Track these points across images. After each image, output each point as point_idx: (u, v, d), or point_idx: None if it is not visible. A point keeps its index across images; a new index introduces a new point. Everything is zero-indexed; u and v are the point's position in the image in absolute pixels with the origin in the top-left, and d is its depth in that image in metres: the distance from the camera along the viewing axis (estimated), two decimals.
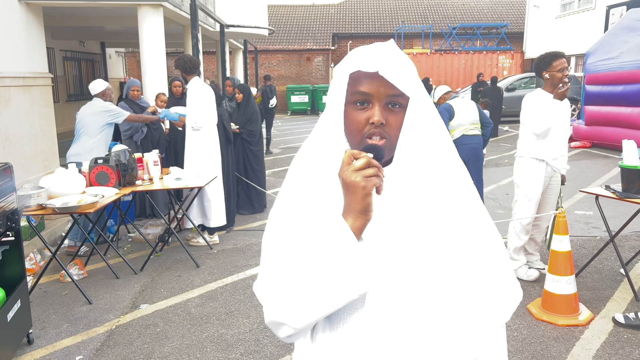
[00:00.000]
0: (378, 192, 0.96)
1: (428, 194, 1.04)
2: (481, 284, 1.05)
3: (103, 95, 5.39)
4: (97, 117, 5.26)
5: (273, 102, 11.75)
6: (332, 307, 0.98)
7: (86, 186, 4.38)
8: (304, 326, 1.01)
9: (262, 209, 6.73)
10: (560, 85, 3.89)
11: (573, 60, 19.13)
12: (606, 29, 13.52)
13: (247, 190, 6.63)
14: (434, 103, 5.49)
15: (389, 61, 1.00)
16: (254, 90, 13.18)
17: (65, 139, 10.46)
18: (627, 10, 12.38)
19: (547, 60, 3.99)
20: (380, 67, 0.99)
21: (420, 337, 1.01)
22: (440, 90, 5.57)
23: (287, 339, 1.05)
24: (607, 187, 4.15)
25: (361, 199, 0.94)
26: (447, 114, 5.17)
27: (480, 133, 5.27)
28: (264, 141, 11.65)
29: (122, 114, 5.32)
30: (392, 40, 1.08)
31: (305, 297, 0.97)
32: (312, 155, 1.08)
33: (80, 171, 4.54)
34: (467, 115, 5.19)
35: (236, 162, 6.48)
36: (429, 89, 15.64)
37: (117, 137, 6.17)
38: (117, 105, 5.90)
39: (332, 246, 0.95)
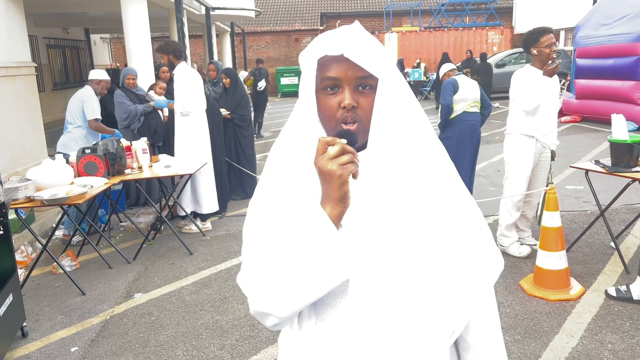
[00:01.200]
0: (354, 177, 0.95)
1: (404, 176, 1.03)
2: (461, 257, 1.07)
3: (97, 84, 5.36)
4: (80, 104, 5.20)
5: (261, 84, 11.64)
6: (314, 295, 0.99)
7: (74, 177, 4.33)
8: (288, 315, 1.02)
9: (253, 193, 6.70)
10: (550, 62, 3.87)
11: (562, 34, 19.07)
12: (595, 1, 13.44)
13: (239, 176, 6.60)
14: (439, 79, 5.39)
15: (354, 43, 0.99)
16: (244, 74, 13.02)
17: (53, 129, 10.35)
18: None
19: (535, 36, 3.96)
20: (345, 49, 0.98)
21: (405, 315, 1.02)
22: (445, 68, 5.57)
23: (274, 327, 1.06)
24: (597, 162, 4.16)
25: (338, 187, 0.94)
26: (452, 87, 5.15)
27: (479, 112, 5.27)
28: (256, 125, 11.61)
29: (89, 115, 5.18)
30: (357, 22, 1.07)
31: (288, 286, 0.98)
32: (288, 144, 1.08)
33: (68, 162, 4.49)
34: (470, 92, 5.18)
35: (227, 147, 6.43)
36: (402, 70, 15.54)
37: (113, 127, 6.09)
38: (113, 94, 5.85)
39: (312, 235, 0.95)
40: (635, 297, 3.44)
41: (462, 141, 5.15)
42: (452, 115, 5.17)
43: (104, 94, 5.52)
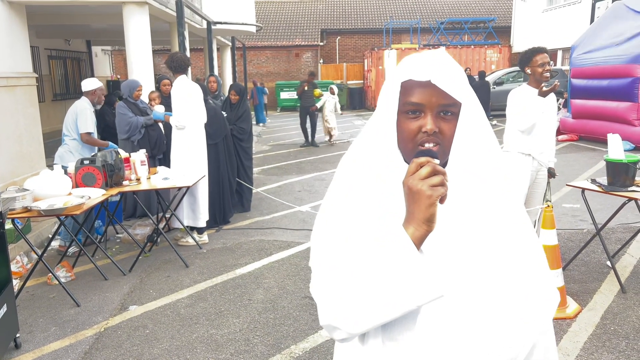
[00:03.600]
0: (442, 201, 0.95)
1: (481, 203, 1.04)
2: (527, 287, 1.07)
3: (92, 95, 5.32)
4: (75, 116, 5.19)
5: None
6: (389, 317, 0.99)
7: (72, 187, 4.34)
8: (359, 332, 1.02)
9: (250, 207, 6.71)
10: (545, 83, 3.91)
11: (560, 53, 19.27)
12: (592, 22, 13.62)
13: (237, 189, 6.61)
14: None
15: (441, 69, 1.00)
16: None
17: (52, 139, 10.35)
18: (612, 2, 12.48)
19: (529, 56, 4.01)
20: (432, 76, 1.00)
21: (474, 342, 1.03)
22: None
23: (342, 341, 1.07)
24: (593, 181, 4.18)
25: (425, 208, 0.93)
26: None
27: None
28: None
29: (82, 128, 5.15)
30: (442, 48, 1.12)
31: (363, 305, 0.98)
32: (364, 162, 1.09)
33: (66, 172, 4.49)
34: None
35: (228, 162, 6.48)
36: None
37: (112, 138, 6.10)
38: (116, 105, 5.86)
39: (392, 256, 0.95)
40: None
41: None
42: None
43: (101, 102, 5.47)
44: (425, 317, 1.02)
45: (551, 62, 3.91)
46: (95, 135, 5.42)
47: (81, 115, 5.18)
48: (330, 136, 12.84)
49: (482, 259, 1.02)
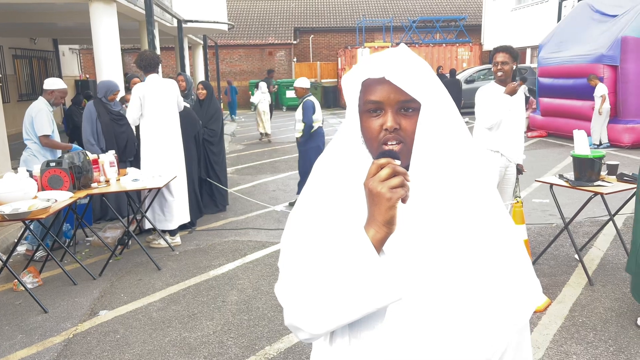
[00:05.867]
0: (404, 201, 0.94)
1: (446, 201, 1.02)
2: (501, 286, 1.05)
3: (50, 95, 5.10)
4: (31, 119, 5.00)
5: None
6: (349, 318, 0.99)
7: (38, 190, 4.21)
8: (321, 333, 1.03)
9: (225, 207, 6.65)
10: (511, 82, 4.00)
11: (529, 51, 19.66)
12: (559, 20, 13.93)
13: (209, 190, 6.53)
14: None
15: (397, 66, 0.99)
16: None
17: (17, 141, 10.04)
18: (578, 2, 12.80)
19: (492, 54, 4.13)
20: (387, 72, 0.99)
21: (442, 341, 1.02)
22: None
23: (305, 341, 1.08)
24: (561, 176, 4.28)
25: (385, 211, 0.93)
26: None
27: None
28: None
29: (39, 131, 4.96)
30: (403, 44, 1.08)
31: (324, 307, 0.98)
32: (333, 164, 1.09)
33: (31, 175, 4.36)
34: None
35: (198, 161, 6.37)
36: None
37: (81, 139, 5.93)
38: (84, 106, 5.69)
39: (352, 259, 0.94)
40: None
41: None
42: None
43: (59, 104, 5.22)
44: (391, 315, 1.01)
45: (516, 60, 4.00)
46: (57, 136, 5.22)
47: (37, 118, 4.98)
48: (264, 135, 13.18)
49: (447, 259, 1.01)
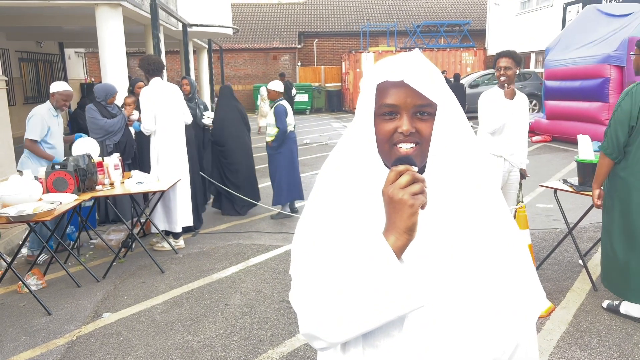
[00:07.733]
0: (422, 207, 0.93)
1: (460, 206, 1.03)
2: (511, 290, 1.05)
3: (52, 98, 5.15)
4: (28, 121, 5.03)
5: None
6: (369, 327, 0.97)
7: (43, 193, 4.23)
8: (339, 342, 1.01)
9: (246, 212, 6.68)
10: (506, 85, 4.01)
11: (533, 56, 19.64)
12: (564, 25, 13.92)
13: (228, 195, 6.56)
14: None
15: (414, 69, 0.99)
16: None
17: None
18: (583, 7, 12.79)
19: (495, 59, 4.13)
20: (405, 76, 0.99)
21: (457, 347, 1.02)
22: None
23: (321, 350, 1.06)
24: (565, 181, 4.26)
25: (407, 217, 0.92)
26: None
27: None
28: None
29: (27, 134, 4.96)
30: (417, 49, 1.08)
31: (342, 316, 0.96)
32: (344, 168, 1.07)
33: (36, 177, 4.38)
34: None
35: (212, 165, 6.52)
36: None
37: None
38: (86, 109, 5.73)
39: (373, 266, 0.93)
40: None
41: None
42: None
43: (62, 107, 5.20)
44: (410, 323, 1.01)
45: (519, 65, 4.01)
46: (58, 142, 5.19)
47: (30, 121, 4.98)
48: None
49: (463, 265, 1.01)
